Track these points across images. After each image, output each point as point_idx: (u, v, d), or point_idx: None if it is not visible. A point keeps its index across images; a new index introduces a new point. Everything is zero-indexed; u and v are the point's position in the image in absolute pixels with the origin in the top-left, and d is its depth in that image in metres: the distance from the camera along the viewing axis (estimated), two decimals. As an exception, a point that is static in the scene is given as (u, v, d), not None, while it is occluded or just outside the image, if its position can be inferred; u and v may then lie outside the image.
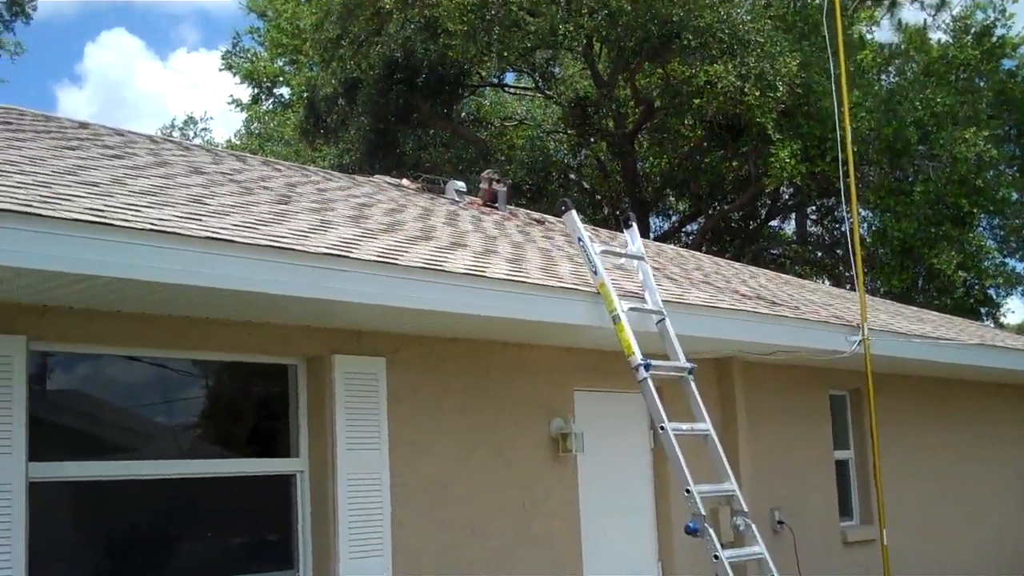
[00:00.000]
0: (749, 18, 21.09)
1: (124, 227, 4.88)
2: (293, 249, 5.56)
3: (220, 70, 35.92)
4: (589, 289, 7.25)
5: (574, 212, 8.11)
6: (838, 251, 27.18)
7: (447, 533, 7.08)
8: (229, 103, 37.21)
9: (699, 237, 27.12)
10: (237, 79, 34.69)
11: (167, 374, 6.26)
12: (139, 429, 6.31)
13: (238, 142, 34.62)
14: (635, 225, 8.61)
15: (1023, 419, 14.01)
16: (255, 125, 34.80)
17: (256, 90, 34.53)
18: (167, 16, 69.46)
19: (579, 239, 7.76)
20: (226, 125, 72.06)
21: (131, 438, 6.28)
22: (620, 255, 8.44)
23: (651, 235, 25.36)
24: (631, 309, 7.24)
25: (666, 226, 29.01)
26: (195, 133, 38.22)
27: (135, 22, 67.29)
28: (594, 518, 8.16)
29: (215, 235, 5.26)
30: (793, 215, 29.60)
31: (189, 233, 5.13)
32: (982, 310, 26.10)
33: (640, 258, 8.11)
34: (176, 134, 36.82)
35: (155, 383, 6.27)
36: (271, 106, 34.59)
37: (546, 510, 7.79)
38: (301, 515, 6.54)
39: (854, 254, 9.81)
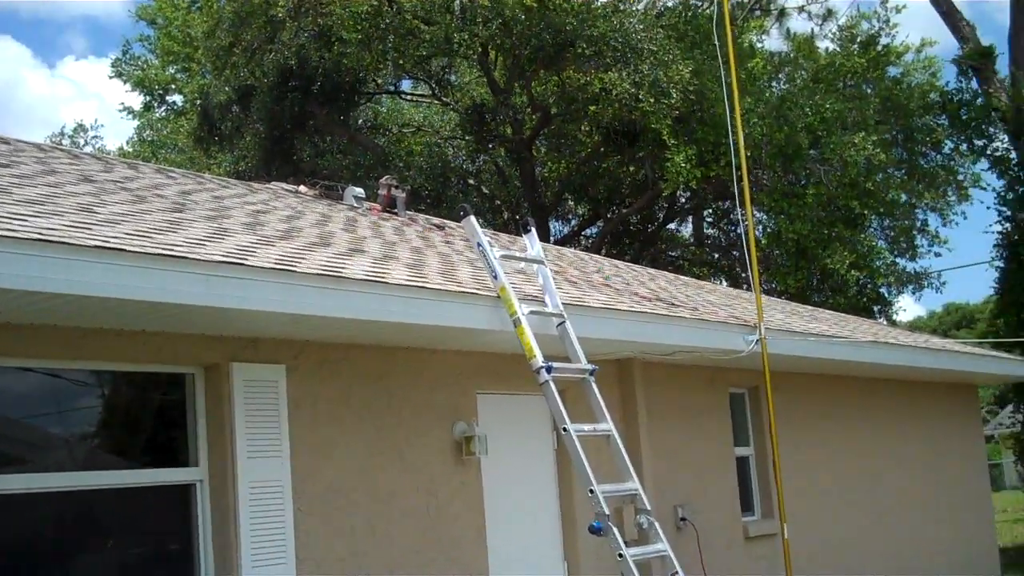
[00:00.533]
0: (642, 27, 21.31)
1: (9, 237, 4.75)
2: (186, 257, 5.47)
3: (110, 78, 35.23)
4: (490, 293, 7.25)
5: (473, 217, 8.08)
6: (734, 253, 27.61)
7: (351, 539, 7.01)
8: (120, 110, 36.55)
9: (598, 241, 27.33)
10: (128, 87, 34.07)
11: (61, 385, 6.09)
12: (33, 441, 6.12)
13: (130, 150, 33.91)
14: (534, 230, 8.61)
15: (931, 415, 14.39)
16: (147, 132, 34.16)
17: (148, 97, 33.90)
18: (54, 23, 68.07)
19: (479, 244, 7.75)
20: (117, 133, 70.83)
21: (25, 451, 6.09)
22: (520, 259, 8.45)
23: (551, 239, 25.47)
24: (532, 312, 7.25)
25: (566, 230, 29.16)
26: (86, 141, 37.42)
27: (20, 29, 65.76)
28: (499, 520, 8.16)
29: (104, 244, 5.14)
30: (690, 218, 30.00)
31: (77, 242, 5.01)
32: (875, 308, 26.71)
33: (540, 262, 8.12)
34: (66, 142, 35.93)
35: (49, 394, 6.09)
36: (163, 113, 33.98)
37: (451, 513, 7.77)
38: (201, 525, 6.41)
39: (749, 256, 9.98)
